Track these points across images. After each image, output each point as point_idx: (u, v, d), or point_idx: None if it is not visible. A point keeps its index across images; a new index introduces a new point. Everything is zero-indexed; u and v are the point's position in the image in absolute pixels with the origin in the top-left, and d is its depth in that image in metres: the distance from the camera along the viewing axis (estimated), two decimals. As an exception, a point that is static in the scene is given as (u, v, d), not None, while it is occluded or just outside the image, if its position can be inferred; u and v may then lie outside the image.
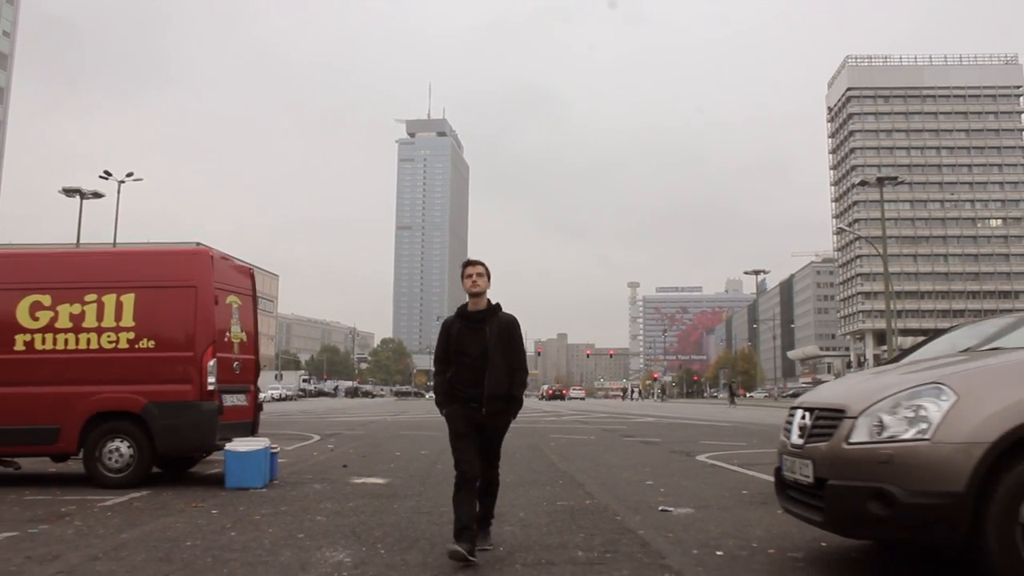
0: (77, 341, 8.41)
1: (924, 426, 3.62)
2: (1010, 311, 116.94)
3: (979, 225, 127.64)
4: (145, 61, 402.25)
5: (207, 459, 10.19)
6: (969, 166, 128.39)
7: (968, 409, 3.58)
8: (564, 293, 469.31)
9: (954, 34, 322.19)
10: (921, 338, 7.27)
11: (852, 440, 3.83)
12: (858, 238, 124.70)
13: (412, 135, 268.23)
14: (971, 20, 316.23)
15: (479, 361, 4.83)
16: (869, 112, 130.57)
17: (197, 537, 5.46)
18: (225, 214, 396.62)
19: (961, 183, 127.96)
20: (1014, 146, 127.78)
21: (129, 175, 44.12)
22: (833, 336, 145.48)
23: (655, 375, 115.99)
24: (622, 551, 4.92)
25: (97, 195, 42.34)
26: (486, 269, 4.99)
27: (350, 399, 74.38)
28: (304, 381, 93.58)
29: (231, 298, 9.07)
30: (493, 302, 5.02)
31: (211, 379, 8.34)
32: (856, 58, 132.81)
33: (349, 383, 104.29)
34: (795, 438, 4.35)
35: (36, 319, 8.45)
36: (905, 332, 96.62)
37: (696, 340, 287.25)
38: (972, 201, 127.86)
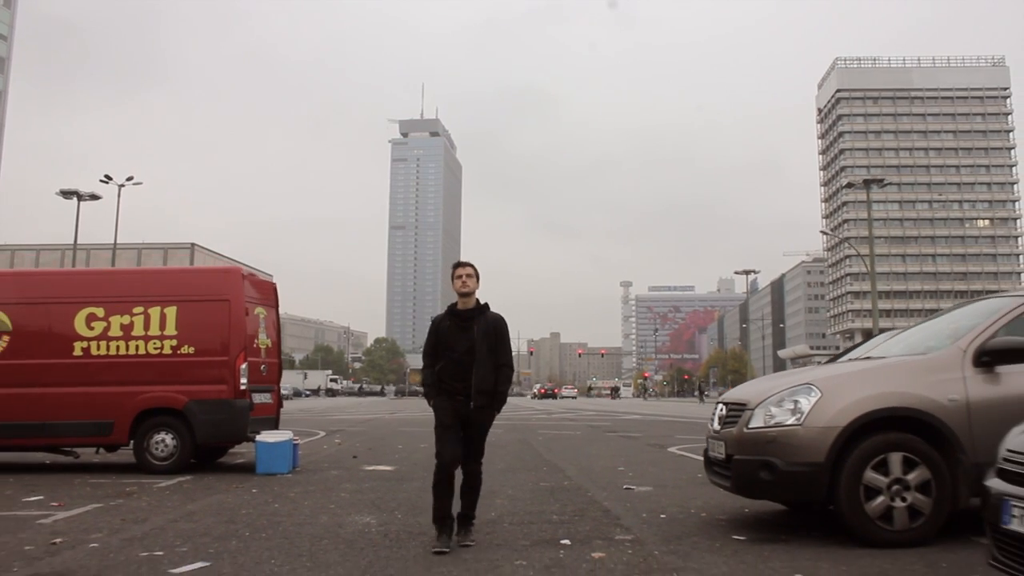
0: (127, 347, 9.74)
1: (799, 415, 5.00)
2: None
3: (967, 225, 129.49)
4: (137, 60, 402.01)
5: (231, 451, 11.52)
6: (957, 167, 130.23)
7: (829, 403, 4.96)
8: (557, 292, 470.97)
9: (943, 36, 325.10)
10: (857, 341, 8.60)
11: (751, 426, 5.21)
12: (846, 239, 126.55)
13: (405, 135, 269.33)
14: (959, 22, 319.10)
15: (466, 357, 5.07)
16: (858, 113, 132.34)
17: (249, 507, 6.80)
18: (218, 212, 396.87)
19: (949, 184, 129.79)
20: (1001, 147, 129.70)
21: (129, 179, 45.15)
22: (823, 335, 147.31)
23: (646, 374, 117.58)
24: (587, 515, 6.29)
25: (94, 197, 43.28)
26: (475, 271, 5.26)
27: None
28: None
29: (258, 309, 10.42)
30: (482, 302, 5.29)
31: (243, 380, 9.69)
32: (845, 60, 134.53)
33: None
34: (715, 425, 5.73)
35: (92, 328, 9.77)
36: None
37: (689, 339, 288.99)
38: (960, 202, 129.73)
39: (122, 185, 44.71)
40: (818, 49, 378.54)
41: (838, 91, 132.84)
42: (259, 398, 10.19)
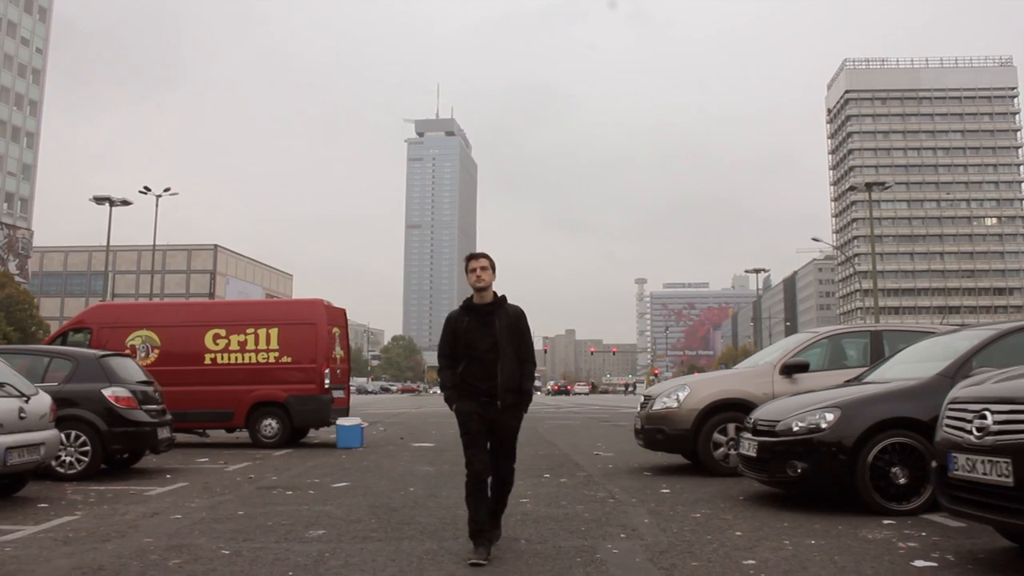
0: (243, 358, 13.58)
1: (678, 402, 8.72)
2: (1004, 308, 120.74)
3: (974, 224, 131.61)
4: (157, 63, 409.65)
5: (309, 434, 15.31)
6: (964, 166, 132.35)
7: (694, 395, 8.69)
8: (572, 289, 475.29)
9: (951, 35, 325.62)
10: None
11: (653, 408, 8.95)
12: (854, 238, 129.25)
13: (421, 135, 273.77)
14: (967, 22, 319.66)
15: (490, 355, 4.83)
16: (867, 114, 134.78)
17: (347, 464, 10.57)
18: (235, 212, 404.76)
19: (957, 183, 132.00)
20: (1008, 146, 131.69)
21: (166, 190, 48.90)
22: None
23: (656, 371, 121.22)
24: (564, 466, 10.05)
25: (126, 203, 46.85)
26: (490, 262, 4.98)
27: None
28: None
29: (335, 329, 14.24)
30: (499, 294, 5.02)
31: (327, 381, 13.52)
32: (854, 61, 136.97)
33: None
34: (639, 409, 9.48)
35: (217, 344, 13.62)
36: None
37: (703, 336, 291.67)
38: (967, 200, 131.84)
39: (159, 195, 48.52)
40: (831, 45, 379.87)
41: (847, 92, 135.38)
42: (336, 394, 14.03)
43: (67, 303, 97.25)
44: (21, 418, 6.91)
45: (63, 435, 8.19)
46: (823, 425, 6.15)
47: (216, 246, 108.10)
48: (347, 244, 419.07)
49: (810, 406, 6.41)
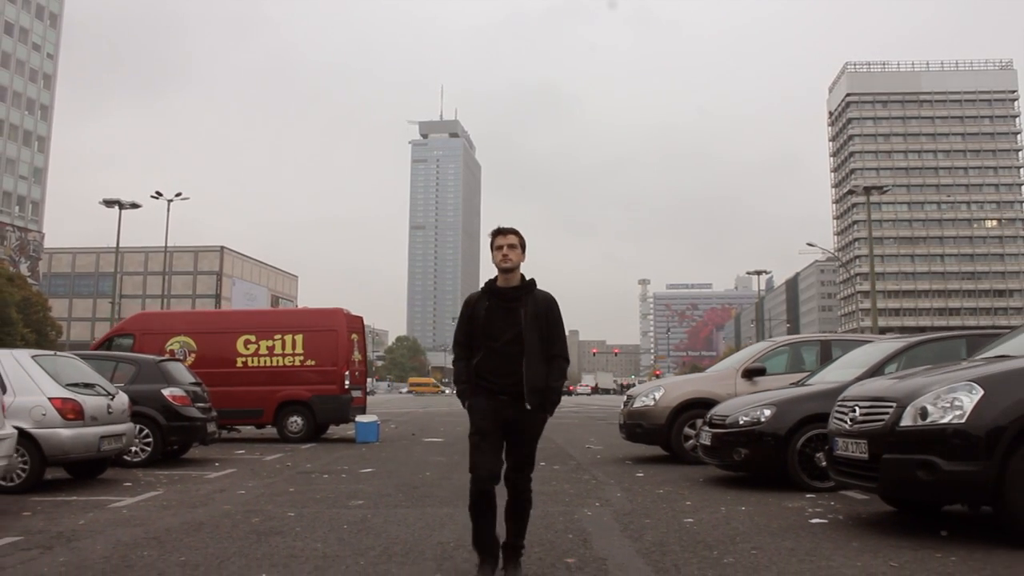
0: (271, 361, 15.08)
1: (654, 400, 10.20)
2: (1004, 309, 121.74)
3: (975, 226, 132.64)
4: (161, 64, 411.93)
5: (328, 431, 16.80)
6: (965, 169, 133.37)
7: (668, 394, 10.17)
8: (575, 290, 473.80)
9: (952, 38, 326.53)
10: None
11: (634, 406, 10.43)
12: (856, 239, 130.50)
13: (425, 136, 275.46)
14: (968, 25, 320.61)
15: (511, 347, 4.22)
16: (868, 117, 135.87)
17: (368, 455, 12.06)
18: (240, 213, 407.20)
19: (957, 185, 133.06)
20: (1008, 149, 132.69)
21: (178, 195, 50.22)
22: (835, 333, 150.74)
23: (657, 372, 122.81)
24: (558, 457, 11.52)
25: (135, 206, 48.08)
26: (520, 239, 4.33)
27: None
28: None
29: (353, 335, 15.73)
30: (527, 278, 4.38)
31: (347, 382, 15.01)
32: (855, 64, 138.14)
33: None
34: (622, 406, 10.95)
35: (248, 348, 15.12)
36: (904, 330, 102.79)
37: (706, 336, 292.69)
38: (968, 203, 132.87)
39: (170, 200, 49.93)
40: (833, 47, 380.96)
41: (848, 95, 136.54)
42: (355, 393, 15.52)
43: (75, 304, 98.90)
44: (109, 413, 8.42)
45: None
46: (762, 419, 7.63)
47: (223, 247, 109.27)
48: (351, 245, 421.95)
49: (754, 404, 7.89)
